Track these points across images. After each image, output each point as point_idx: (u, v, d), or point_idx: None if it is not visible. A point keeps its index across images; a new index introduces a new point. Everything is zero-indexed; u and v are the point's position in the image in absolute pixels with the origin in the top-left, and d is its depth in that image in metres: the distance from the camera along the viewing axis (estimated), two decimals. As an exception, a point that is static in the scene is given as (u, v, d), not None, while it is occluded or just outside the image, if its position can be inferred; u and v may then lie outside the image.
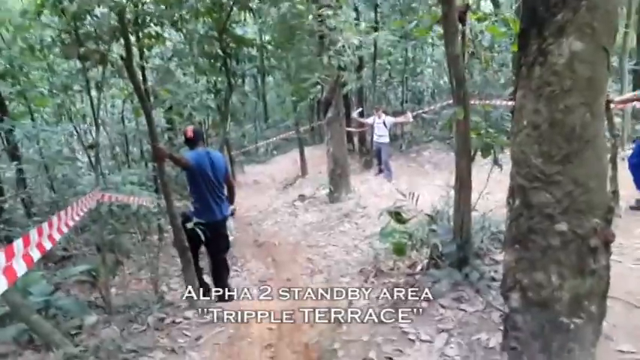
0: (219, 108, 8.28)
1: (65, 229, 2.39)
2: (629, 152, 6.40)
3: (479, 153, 3.96)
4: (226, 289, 5.38)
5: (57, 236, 2.36)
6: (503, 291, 2.42)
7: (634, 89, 7.36)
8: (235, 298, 5.60)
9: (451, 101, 12.56)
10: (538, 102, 2.09)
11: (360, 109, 12.07)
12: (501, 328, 3.49)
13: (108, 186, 4.58)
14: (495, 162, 3.89)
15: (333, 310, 4.68)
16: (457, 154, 3.85)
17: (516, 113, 2.22)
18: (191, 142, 4.88)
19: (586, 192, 2.05)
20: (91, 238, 6.12)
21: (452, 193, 5.07)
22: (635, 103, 6.86)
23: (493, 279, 4.05)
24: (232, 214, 5.25)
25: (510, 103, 10.01)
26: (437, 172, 11.67)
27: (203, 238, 4.60)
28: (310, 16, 7.06)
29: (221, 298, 5.31)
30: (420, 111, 13.70)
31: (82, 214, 3.41)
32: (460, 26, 3.46)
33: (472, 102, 4.38)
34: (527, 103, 2.14)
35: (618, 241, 3.93)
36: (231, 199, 5.28)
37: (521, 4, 2.17)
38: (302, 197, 11.20)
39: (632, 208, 5.66)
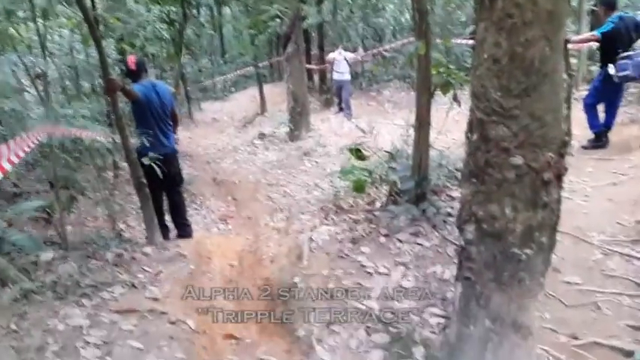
0: (174, 39, 7.93)
1: (15, 160, 2.27)
2: (584, 93, 6.55)
3: (438, 90, 3.96)
4: (186, 225, 5.34)
5: (7, 166, 2.25)
6: (459, 223, 2.48)
7: (591, 30, 7.43)
8: (193, 234, 5.61)
9: (412, 39, 12.42)
10: (499, 35, 2.07)
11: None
12: (455, 261, 3.63)
13: (59, 120, 4.38)
14: (455, 99, 3.90)
15: (293, 245, 4.76)
16: (417, 90, 3.84)
17: (477, 47, 2.20)
18: (134, 74, 4.70)
19: (542, 126, 2.08)
20: (44, 174, 5.93)
21: (411, 131, 5.12)
22: (591, 43, 6.95)
23: (449, 214, 4.17)
24: (176, 143, 5.16)
25: (470, 42, 9.98)
26: (397, 111, 11.70)
27: (160, 174, 4.49)
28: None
29: (181, 235, 5.31)
30: (381, 48, 13.52)
31: (32, 145, 3.27)
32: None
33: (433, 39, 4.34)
34: (488, 36, 2.12)
35: (569, 178, 4.09)
36: (175, 130, 5.18)
37: None
38: (262, 135, 11.09)
39: (583, 147, 5.86)
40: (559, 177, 2.17)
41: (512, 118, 2.10)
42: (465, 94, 4.10)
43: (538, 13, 1.96)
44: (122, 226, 5.88)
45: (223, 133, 12.96)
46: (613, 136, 6.02)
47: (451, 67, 3.82)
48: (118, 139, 4.54)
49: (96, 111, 5.40)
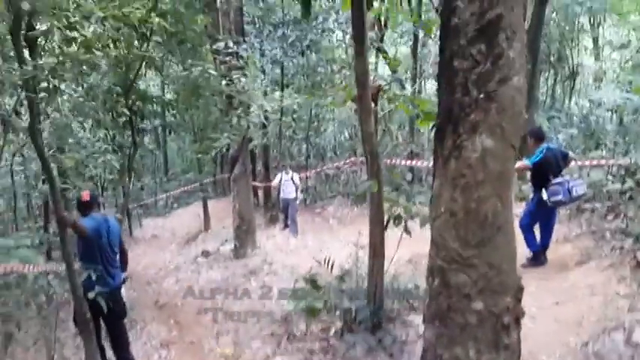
0: (122, 165, 8.00)
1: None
2: (518, 210, 7.03)
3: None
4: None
5: None
6: (425, 365, 2.55)
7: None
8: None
9: (353, 158, 13.04)
10: (454, 191, 2.30)
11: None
12: (415, 393, 3.63)
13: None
14: (406, 230, 4.12)
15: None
16: (370, 223, 4.03)
17: (434, 200, 2.42)
18: (86, 208, 4.61)
19: (499, 274, 2.26)
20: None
21: (360, 253, 5.26)
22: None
23: (404, 342, 4.21)
24: (124, 281, 5.01)
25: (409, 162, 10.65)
26: (341, 227, 11.96)
27: (105, 309, 4.31)
28: (219, 78, 7.15)
29: None
30: (325, 167, 14.10)
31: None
32: (373, 105, 3.72)
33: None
34: (444, 192, 2.35)
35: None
36: (124, 266, 5.07)
37: (438, 103, 2.40)
38: (205, 253, 10.91)
39: (523, 266, 6.17)
40: (517, 320, 2.32)
41: (471, 267, 2.27)
42: (414, 223, 4.34)
43: (489, 173, 2.22)
44: (57, 357, 5.47)
45: (165, 251, 12.65)
46: (550, 254, 6.40)
47: (401, 201, 4.09)
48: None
49: (36, 238, 5.23)
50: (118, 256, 4.83)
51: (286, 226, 11.96)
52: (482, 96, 2.18)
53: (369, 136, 3.64)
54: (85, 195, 4.62)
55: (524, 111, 2.35)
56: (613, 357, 3.81)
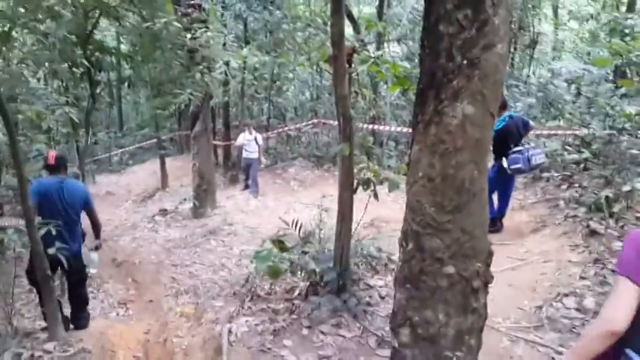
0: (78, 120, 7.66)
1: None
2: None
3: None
4: (84, 318, 5.05)
5: None
6: (394, 326, 2.60)
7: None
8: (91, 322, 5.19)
9: (315, 120, 12.96)
10: (433, 157, 2.31)
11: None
12: (377, 352, 3.74)
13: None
14: (375, 196, 4.15)
15: (209, 337, 4.60)
16: (340, 186, 4.03)
17: (412, 165, 2.42)
18: (52, 168, 4.57)
19: (471, 239, 2.30)
20: None
21: (323, 215, 5.29)
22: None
23: (369, 304, 4.30)
24: (97, 248, 5.00)
25: (376, 127, 10.66)
26: (302, 189, 11.97)
27: (66, 266, 4.34)
28: (182, 31, 6.87)
29: (77, 327, 4.89)
30: (286, 128, 13.97)
31: None
32: (347, 67, 3.66)
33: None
34: (422, 158, 2.35)
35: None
36: (96, 234, 5.00)
37: (420, 66, 2.37)
38: (163, 212, 10.74)
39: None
40: (486, 284, 2.39)
41: (445, 232, 2.31)
42: (382, 189, 4.37)
43: (468, 140, 2.23)
44: (14, 317, 5.32)
45: (120, 208, 12.37)
46: (506, 221, 6.62)
47: (371, 165, 4.10)
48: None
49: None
50: (78, 220, 4.74)
51: (246, 186, 11.88)
52: (465, 62, 2.16)
53: (342, 98, 3.60)
54: (51, 156, 4.53)
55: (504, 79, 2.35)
56: (565, 321, 4.02)
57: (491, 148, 6.71)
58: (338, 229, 4.09)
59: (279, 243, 4.25)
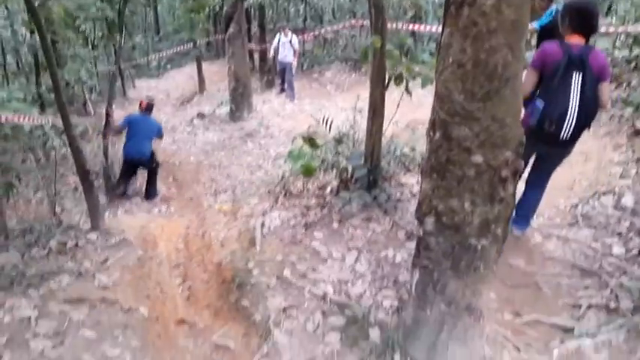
0: (112, 20, 7.61)
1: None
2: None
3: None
4: (154, 194, 7.35)
5: None
6: (419, 215, 2.63)
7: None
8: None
9: (353, 21, 12.46)
10: (464, 41, 2.20)
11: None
12: (406, 245, 3.83)
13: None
14: (407, 90, 4.04)
15: (244, 230, 4.80)
16: (371, 82, 3.94)
17: (442, 51, 2.32)
18: (142, 109, 7.33)
19: (502, 127, 2.24)
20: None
21: (358, 117, 5.24)
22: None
23: (399, 200, 4.35)
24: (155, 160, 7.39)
25: (411, 26, 10.20)
26: (339, 93, 11.82)
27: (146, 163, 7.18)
28: None
29: (148, 197, 7.24)
30: (323, 30, 13.50)
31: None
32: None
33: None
34: (453, 42, 2.24)
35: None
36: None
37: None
38: (201, 115, 10.88)
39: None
40: (515, 174, 2.36)
41: (474, 120, 2.25)
42: (415, 84, 4.25)
43: (502, 22, 2.10)
44: (59, 209, 5.65)
45: (160, 112, 12.57)
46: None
47: (404, 59, 3.96)
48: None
49: (28, 92, 5.10)
50: (150, 143, 7.21)
51: (282, 90, 11.79)
52: None
53: (375, -13, 3.42)
54: (143, 103, 7.31)
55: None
56: (600, 219, 3.98)
57: (536, 45, 6.34)
58: (369, 125, 4.05)
59: (310, 140, 4.26)
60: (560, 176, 4.87)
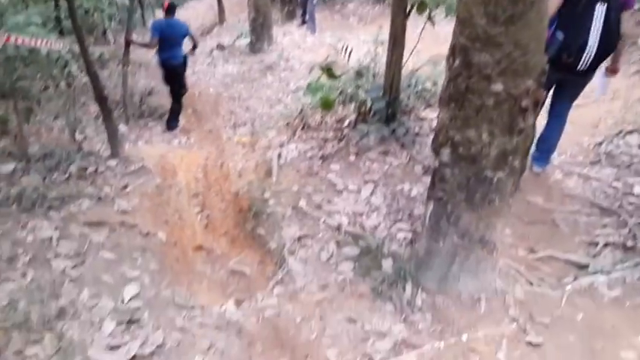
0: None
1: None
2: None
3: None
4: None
5: None
6: (435, 146, 2.58)
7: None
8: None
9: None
10: (489, -40, 2.06)
11: None
12: (423, 179, 3.80)
13: (9, 27, 4.08)
14: (429, 19, 3.88)
15: (261, 161, 4.81)
16: (392, 11, 3.78)
17: (466, -28, 2.19)
18: (166, 12, 6.93)
19: (525, 54, 2.14)
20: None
21: (380, 49, 5.08)
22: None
23: (417, 134, 4.28)
24: (185, 58, 7.27)
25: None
26: (362, 26, 11.45)
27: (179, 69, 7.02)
28: None
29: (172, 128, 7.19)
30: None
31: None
32: None
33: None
34: (477, -38, 2.11)
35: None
36: (193, 48, 7.58)
37: None
38: (220, 47, 10.68)
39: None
40: (536, 104, 2.27)
41: (496, 46, 2.15)
42: (438, 14, 4.08)
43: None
44: (80, 137, 5.70)
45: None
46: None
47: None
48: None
49: (46, 16, 5.02)
50: (182, 46, 7.05)
51: (304, 22, 11.46)
52: None
53: None
54: (165, 5, 6.89)
55: None
56: (624, 158, 3.88)
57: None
58: (389, 56, 3.93)
59: (328, 70, 4.16)
60: (586, 114, 4.73)
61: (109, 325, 2.72)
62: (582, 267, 2.98)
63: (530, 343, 2.53)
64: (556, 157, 3.97)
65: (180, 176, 5.11)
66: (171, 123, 7.30)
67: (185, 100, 8.42)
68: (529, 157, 3.52)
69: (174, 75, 7.13)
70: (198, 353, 2.63)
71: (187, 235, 4.27)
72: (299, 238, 3.54)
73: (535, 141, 3.24)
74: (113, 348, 2.57)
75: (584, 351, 2.49)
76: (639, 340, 2.53)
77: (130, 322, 2.76)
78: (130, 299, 2.94)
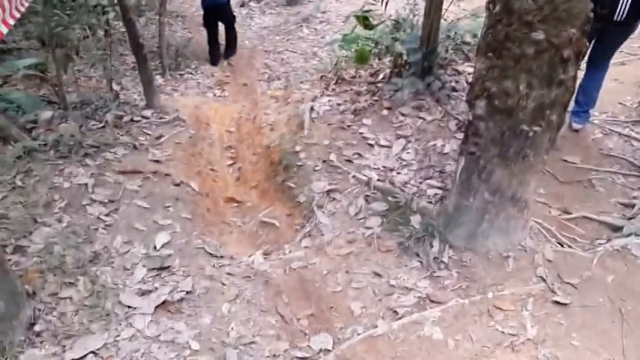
0: None
1: (17, 14, 2.14)
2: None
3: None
4: (234, 47, 7.83)
5: (11, 21, 2.12)
6: (470, 98, 2.48)
7: None
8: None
9: None
10: None
11: None
12: (457, 136, 3.69)
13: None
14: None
15: (294, 114, 4.76)
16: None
17: None
18: None
19: (568, 0, 2.00)
20: (33, 31, 5.66)
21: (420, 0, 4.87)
22: None
23: (454, 89, 4.14)
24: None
25: None
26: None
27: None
28: None
29: (228, 52, 7.78)
30: None
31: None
32: None
33: None
34: None
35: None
36: None
37: None
38: (257, -2, 10.49)
39: None
40: (578, 55, 2.14)
41: (539, -10, 2.01)
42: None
43: None
44: (117, 87, 5.76)
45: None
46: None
47: None
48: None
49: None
50: None
51: (343, -27, 11.10)
52: None
53: None
54: None
55: None
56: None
57: None
58: (427, 6, 3.76)
59: (364, 19, 4.03)
60: (630, 72, 4.47)
61: (141, 271, 2.80)
62: (617, 229, 2.87)
63: (557, 302, 2.48)
64: (596, 115, 3.78)
65: (213, 128, 5.12)
66: (229, 48, 7.79)
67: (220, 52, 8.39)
68: (568, 113, 3.36)
69: (214, 19, 7.40)
70: (226, 301, 2.69)
71: (219, 187, 4.31)
72: (328, 192, 3.52)
73: (574, 96, 3.08)
74: (144, 293, 2.65)
75: (613, 312, 2.44)
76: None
77: (161, 268, 2.84)
78: (162, 246, 3.01)
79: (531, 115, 2.25)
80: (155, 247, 3.01)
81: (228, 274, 2.95)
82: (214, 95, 7.00)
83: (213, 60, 7.67)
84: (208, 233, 3.48)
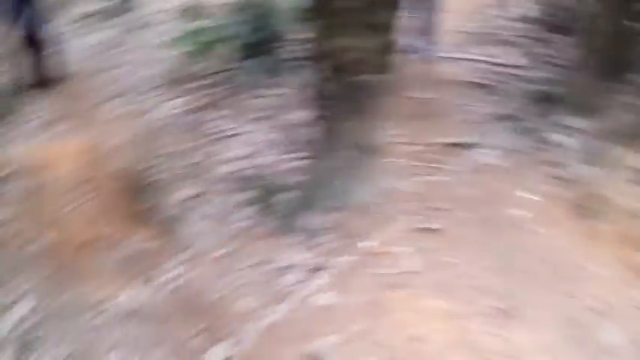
0: None
1: None
2: None
3: None
4: None
5: None
6: (311, 64, 2.49)
7: None
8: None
9: None
10: None
11: None
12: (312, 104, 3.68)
13: None
14: None
15: (143, 127, 4.45)
16: None
17: None
18: None
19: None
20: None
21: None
22: None
23: (302, 58, 4.10)
24: None
25: None
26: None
27: None
28: None
29: None
30: None
31: None
32: None
33: None
34: None
35: None
36: None
37: None
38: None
39: None
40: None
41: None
42: None
43: None
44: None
45: None
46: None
47: None
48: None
49: None
50: None
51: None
52: None
53: None
54: None
55: None
56: (505, 34, 3.96)
57: None
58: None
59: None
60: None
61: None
62: (470, 146, 3.04)
63: (429, 229, 2.63)
64: (435, 45, 3.96)
65: (54, 173, 4.64)
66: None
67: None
68: (406, 50, 3.48)
69: None
70: (111, 350, 2.39)
71: (74, 231, 3.88)
72: (192, 198, 3.32)
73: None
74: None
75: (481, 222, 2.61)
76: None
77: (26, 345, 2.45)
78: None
79: (369, 65, 2.29)
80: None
81: (108, 318, 2.62)
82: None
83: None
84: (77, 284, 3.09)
